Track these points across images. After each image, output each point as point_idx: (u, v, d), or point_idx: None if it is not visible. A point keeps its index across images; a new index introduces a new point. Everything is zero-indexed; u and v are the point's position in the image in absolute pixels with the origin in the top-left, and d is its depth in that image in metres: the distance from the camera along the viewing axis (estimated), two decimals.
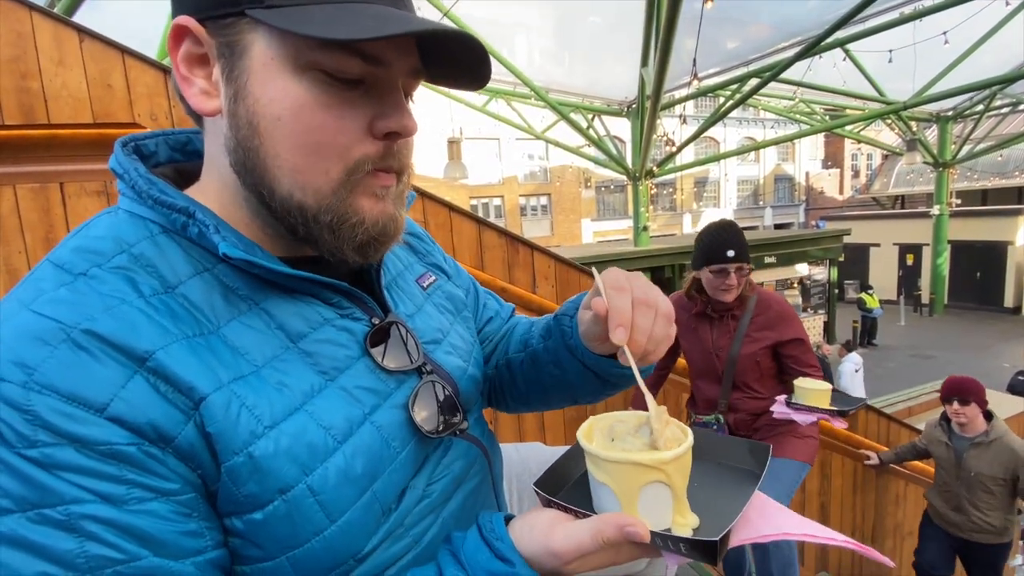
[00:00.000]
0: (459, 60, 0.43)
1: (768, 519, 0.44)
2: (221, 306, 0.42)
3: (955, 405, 2.62)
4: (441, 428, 0.51)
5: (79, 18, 3.81)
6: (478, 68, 0.44)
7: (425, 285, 0.63)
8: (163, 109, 1.51)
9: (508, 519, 0.45)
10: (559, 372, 0.63)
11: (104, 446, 0.34)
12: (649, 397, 0.47)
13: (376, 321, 0.50)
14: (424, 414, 0.50)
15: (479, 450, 0.58)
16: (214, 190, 0.47)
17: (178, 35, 0.41)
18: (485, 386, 0.68)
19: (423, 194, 1.96)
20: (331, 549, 0.42)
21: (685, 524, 0.43)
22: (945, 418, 2.75)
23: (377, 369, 0.48)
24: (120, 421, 0.35)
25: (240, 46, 0.41)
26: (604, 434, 0.46)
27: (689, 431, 0.45)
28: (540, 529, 0.42)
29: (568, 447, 0.91)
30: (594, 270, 0.52)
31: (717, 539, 0.39)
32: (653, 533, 0.41)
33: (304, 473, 0.41)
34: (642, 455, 0.41)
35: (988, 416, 2.64)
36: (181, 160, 0.52)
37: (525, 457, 0.86)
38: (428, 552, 0.48)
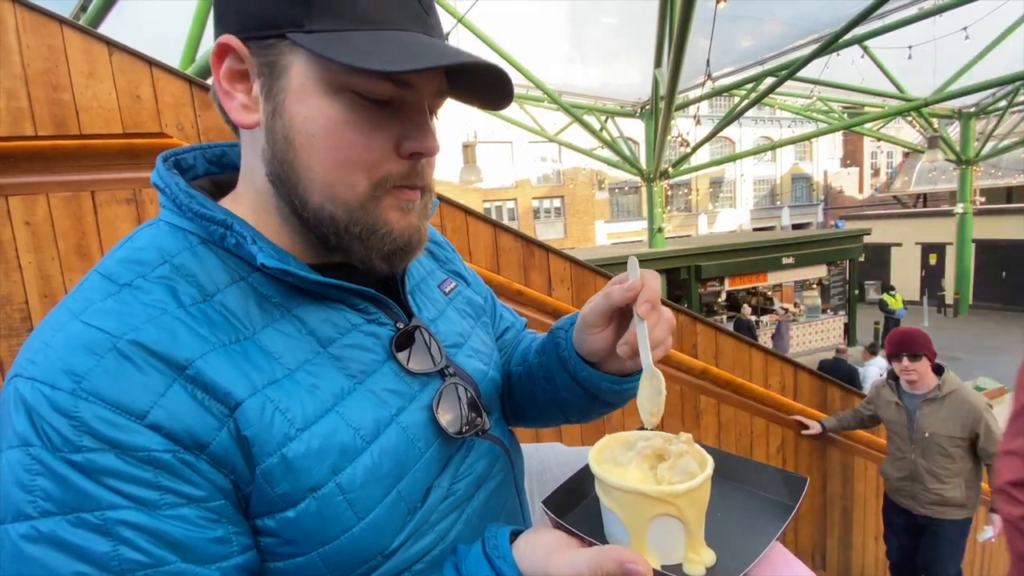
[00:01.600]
0: (483, 83, 0.46)
1: (791, 567, 0.43)
2: (256, 313, 0.44)
3: (904, 361, 2.43)
4: (464, 429, 0.52)
5: (105, 28, 3.92)
6: (501, 91, 0.46)
7: (447, 291, 0.65)
8: (189, 119, 1.55)
9: (517, 533, 0.45)
10: (550, 388, 0.63)
11: (143, 452, 0.36)
12: (657, 374, 0.48)
13: (401, 326, 0.52)
14: (448, 416, 0.51)
15: (501, 450, 0.59)
16: (249, 199, 0.49)
17: (222, 52, 0.44)
18: (504, 389, 0.69)
19: (440, 198, 1.99)
20: (359, 545, 0.43)
21: (698, 561, 0.41)
22: (893, 376, 2.57)
23: (402, 372, 0.50)
24: (158, 428, 0.37)
25: (280, 66, 0.43)
26: (619, 453, 0.46)
27: (710, 461, 0.43)
28: (542, 550, 0.42)
29: (585, 448, 0.93)
30: (632, 257, 0.54)
31: None
32: (659, 573, 0.39)
33: (334, 472, 0.42)
34: (650, 487, 0.40)
35: (938, 370, 2.45)
36: (217, 172, 0.55)
37: (544, 456, 0.87)
38: (453, 548, 0.50)
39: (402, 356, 0.50)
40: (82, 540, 0.34)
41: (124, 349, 0.37)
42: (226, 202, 0.50)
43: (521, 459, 0.68)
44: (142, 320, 0.39)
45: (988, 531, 2.48)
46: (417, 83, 0.44)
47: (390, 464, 0.45)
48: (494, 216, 17.84)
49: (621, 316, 0.54)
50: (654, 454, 0.45)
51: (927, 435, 2.38)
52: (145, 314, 0.39)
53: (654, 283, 0.50)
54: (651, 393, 0.49)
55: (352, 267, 0.51)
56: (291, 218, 0.47)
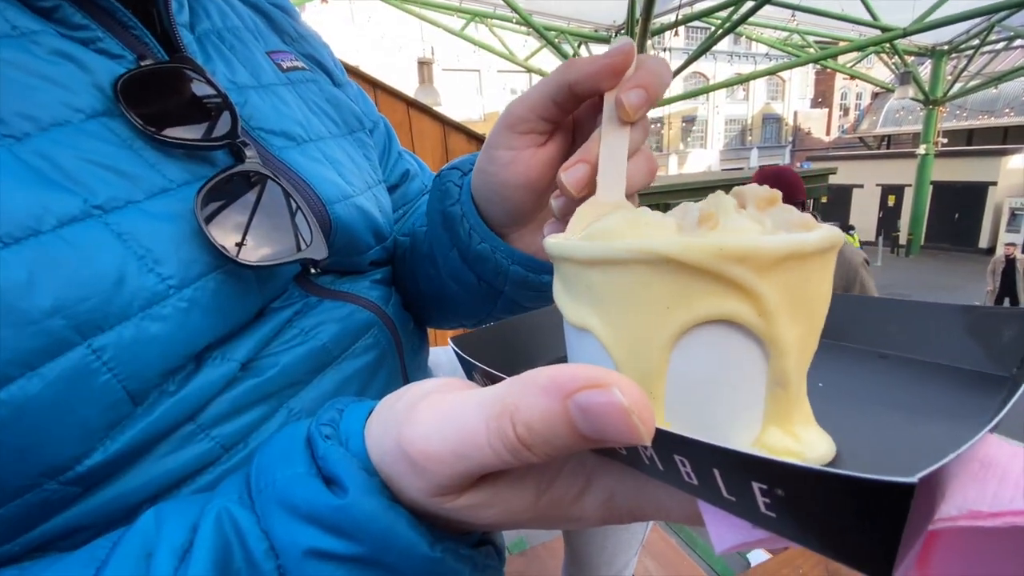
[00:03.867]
0: None
1: (1004, 475, 0.16)
2: None
3: None
4: (277, 261, 0.30)
5: None
6: None
7: (284, 66, 0.41)
8: None
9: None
10: (433, 271, 0.41)
11: None
12: (645, 211, 0.21)
13: (148, 63, 0.29)
14: (262, 250, 0.30)
15: (375, 318, 0.38)
16: None
17: None
18: (392, 248, 0.47)
19: (377, 85, 1.68)
20: None
21: (791, 451, 0.17)
22: None
23: (138, 141, 0.28)
24: None
25: None
26: (612, 217, 0.21)
27: (829, 227, 0.19)
28: (406, 404, 0.20)
29: None
30: (621, 36, 0.28)
31: (915, 480, 0.12)
32: (668, 433, 0.15)
33: None
34: (689, 239, 0.17)
35: None
36: None
37: None
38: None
39: (150, 123, 0.28)
40: None
41: None
42: None
43: (422, 346, 0.47)
44: None
45: None
46: None
47: (65, 295, 0.24)
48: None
49: (565, 135, 0.31)
50: (685, 212, 0.20)
51: None
52: None
53: (660, 66, 0.26)
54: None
55: None
56: None
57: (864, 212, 17.79)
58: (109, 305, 0.25)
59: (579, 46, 10.34)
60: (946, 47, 13.05)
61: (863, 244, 13.64)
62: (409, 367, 0.43)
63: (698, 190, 10.77)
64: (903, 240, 16.09)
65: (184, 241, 0.28)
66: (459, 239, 0.36)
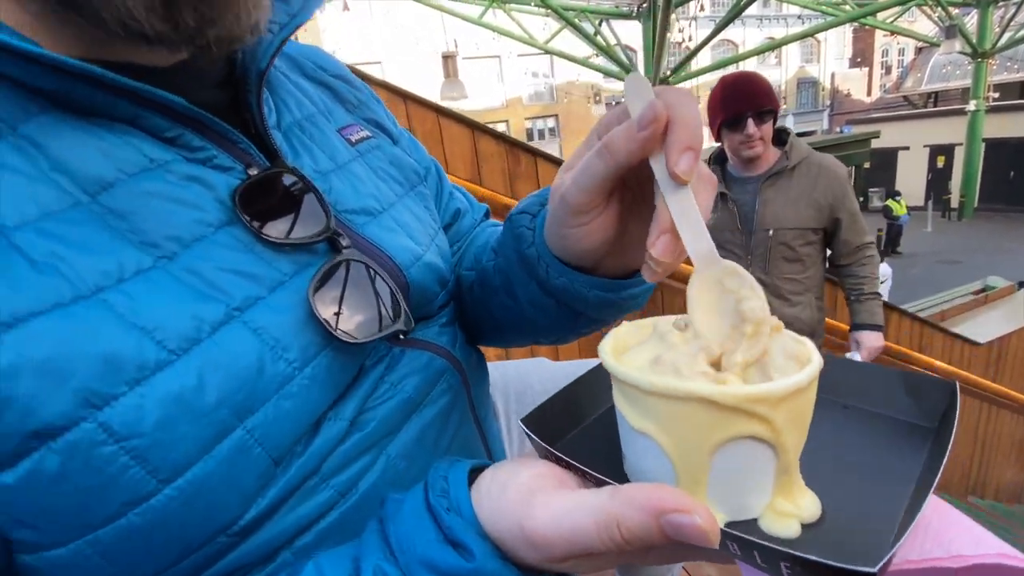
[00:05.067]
0: None
1: (950, 524, 0.25)
2: None
3: (750, 126, 1.51)
4: (382, 326, 0.35)
5: None
6: None
7: (353, 139, 0.45)
8: None
9: (480, 470, 0.29)
10: (511, 302, 0.44)
11: None
12: (735, 269, 0.28)
13: (255, 172, 0.33)
14: (355, 319, 0.34)
15: (447, 363, 0.42)
16: None
17: None
18: (455, 287, 0.51)
19: (407, 96, 1.73)
20: (170, 526, 0.27)
21: (792, 513, 0.25)
22: (719, 159, 1.73)
23: (257, 244, 0.32)
24: None
25: None
26: (654, 346, 0.28)
27: (812, 348, 0.27)
28: (517, 493, 0.26)
29: (584, 361, 0.77)
30: (634, 73, 0.30)
31: (875, 570, 0.20)
32: (728, 532, 0.23)
33: (91, 405, 0.25)
34: (724, 388, 0.23)
35: (780, 137, 1.65)
36: None
37: (525, 372, 0.70)
38: (364, 507, 0.35)
39: (264, 225, 0.32)
40: None
41: None
42: None
43: (484, 376, 0.52)
44: None
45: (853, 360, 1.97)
46: None
47: (225, 389, 0.28)
48: None
49: (625, 189, 0.34)
50: (709, 337, 0.28)
51: (770, 233, 1.60)
52: None
53: (689, 109, 0.28)
54: (722, 307, 0.28)
55: (179, 75, 0.32)
56: None
57: (911, 175, 16.88)
58: (255, 391, 0.30)
59: (600, 24, 10.13)
60: None
61: (911, 209, 12.99)
62: (475, 401, 0.47)
63: None
64: (955, 203, 15.22)
65: (301, 328, 0.32)
66: (537, 275, 0.39)
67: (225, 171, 0.33)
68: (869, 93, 25.13)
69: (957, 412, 0.28)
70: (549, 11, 8.76)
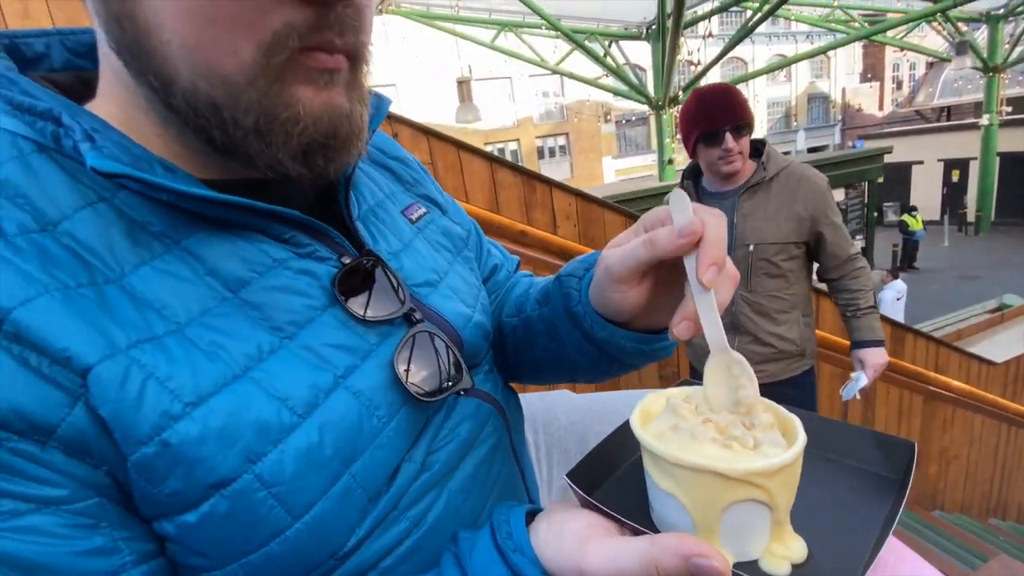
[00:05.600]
0: None
1: (905, 560, 0.33)
2: (125, 247, 0.33)
3: (728, 140, 1.47)
4: (445, 386, 0.42)
5: None
6: None
7: (414, 218, 0.53)
8: (43, 10, 1.36)
9: (533, 514, 0.36)
10: (555, 347, 0.52)
11: None
12: (740, 360, 0.35)
13: (347, 260, 0.40)
14: (421, 374, 0.41)
15: (492, 408, 0.49)
16: (117, 96, 0.36)
17: None
18: (495, 341, 0.58)
19: (429, 132, 1.82)
20: (299, 551, 0.34)
21: (784, 556, 0.32)
22: (693, 174, 1.68)
23: (351, 321, 0.39)
24: None
25: None
26: (670, 417, 0.34)
27: (798, 424, 0.33)
28: (572, 539, 0.33)
29: (600, 394, 0.83)
30: (677, 191, 0.38)
31: None
32: (736, 573, 0.30)
33: (249, 460, 0.32)
34: (732, 465, 0.30)
35: (755, 149, 1.60)
36: (91, 68, 0.41)
37: (551, 405, 0.77)
38: (431, 535, 0.41)
39: (351, 301, 0.39)
40: None
41: None
42: (92, 105, 0.37)
43: (520, 415, 0.58)
44: None
45: (859, 381, 1.64)
46: None
47: (337, 443, 0.35)
48: None
49: (660, 267, 0.41)
50: (718, 412, 0.35)
51: (751, 248, 1.54)
52: None
53: (719, 230, 0.35)
54: (727, 385, 0.35)
55: (282, 185, 0.40)
56: (168, 115, 0.34)
57: (926, 189, 16.73)
58: (356, 444, 0.36)
59: (609, 45, 10.30)
60: (1001, 11, 12.19)
61: (927, 224, 12.87)
62: (514, 439, 0.54)
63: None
64: (971, 217, 15.05)
65: (386, 389, 0.38)
66: (582, 328, 0.46)
67: (324, 261, 0.40)
68: (881, 108, 25.08)
69: (913, 467, 0.35)
70: (559, 34, 8.94)
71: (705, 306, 0.34)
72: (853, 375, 1.69)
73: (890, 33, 11.86)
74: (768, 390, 1.22)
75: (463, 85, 9.36)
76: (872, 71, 25.28)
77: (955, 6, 8.84)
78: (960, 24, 12.16)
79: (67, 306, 0.29)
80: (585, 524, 0.33)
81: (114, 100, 0.36)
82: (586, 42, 9.33)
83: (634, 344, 0.45)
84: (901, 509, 0.33)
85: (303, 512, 0.34)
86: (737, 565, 0.31)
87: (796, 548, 0.32)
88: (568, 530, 0.33)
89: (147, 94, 0.34)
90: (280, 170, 0.35)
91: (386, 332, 0.41)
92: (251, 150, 0.34)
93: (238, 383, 0.33)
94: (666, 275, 0.41)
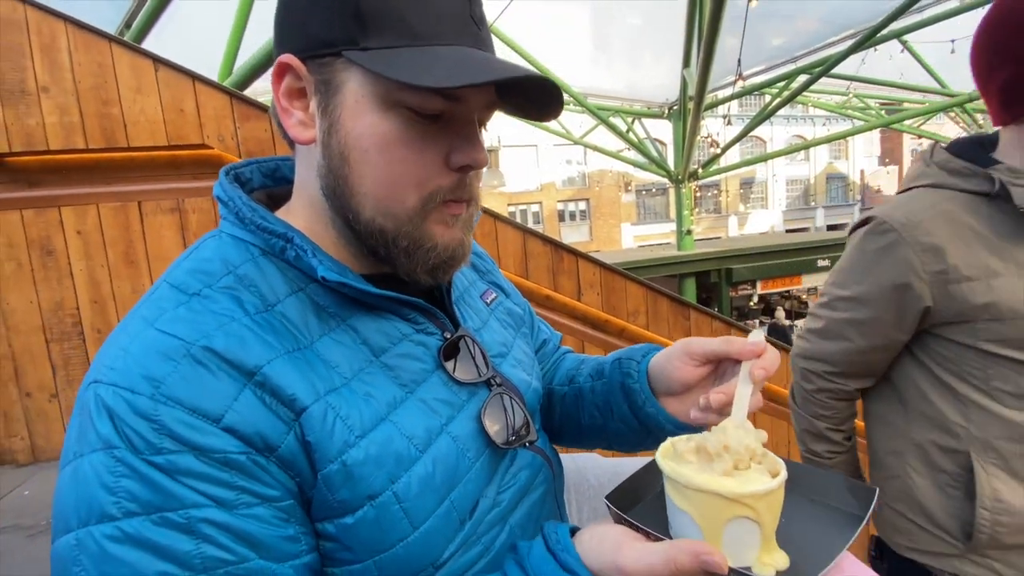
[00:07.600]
0: (533, 95, 0.46)
1: (855, 565, 0.43)
2: (314, 323, 0.45)
3: None
4: (512, 439, 0.53)
5: (147, 44, 4.08)
6: (550, 102, 0.47)
7: (488, 301, 0.65)
8: (229, 131, 1.60)
9: (573, 531, 0.45)
10: (600, 417, 0.63)
11: (219, 454, 0.37)
12: (743, 418, 0.47)
13: (448, 335, 0.52)
14: (496, 426, 0.51)
15: (543, 460, 0.59)
16: (304, 212, 0.50)
17: (281, 71, 0.46)
18: (543, 405, 0.69)
19: None
20: (413, 555, 0.44)
21: (771, 564, 0.41)
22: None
23: (450, 381, 0.50)
24: (233, 431, 0.38)
25: (335, 83, 0.44)
26: (689, 453, 0.45)
27: (782, 464, 0.43)
28: (609, 543, 0.41)
29: (628, 458, 0.91)
30: (757, 330, 0.53)
31: None
32: (732, 570, 0.38)
33: (391, 481, 0.43)
34: (729, 488, 0.40)
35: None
36: (271, 185, 0.56)
37: (582, 467, 0.86)
38: (497, 558, 0.50)
39: (450, 365, 0.51)
40: (166, 539, 0.35)
41: (198, 355, 0.39)
42: (281, 214, 0.51)
43: (562, 470, 0.67)
44: (213, 327, 0.40)
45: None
46: (467, 97, 0.45)
47: (443, 474, 0.46)
48: (519, 219, 17.85)
49: (718, 366, 0.55)
50: (726, 450, 0.45)
51: None
52: (215, 321, 0.41)
53: (776, 357, 0.50)
54: (743, 440, 0.48)
55: (404, 279, 0.52)
56: (344, 230, 0.48)
57: None
58: (455, 476, 0.46)
59: (632, 122, 10.85)
60: None
61: None
62: (557, 487, 0.63)
63: (754, 255, 10.46)
64: None
65: (474, 436, 0.49)
66: (634, 403, 0.59)
67: (431, 335, 0.52)
68: (899, 189, 25.39)
69: (872, 507, 0.46)
70: (585, 110, 9.48)
71: (742, 393, 0.47)
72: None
73: (908, 121, 12.27)
74: None
75: (491, 154, 9.88)
76: (890, 155, 25.89)
77: (971, 100, 9.18)
78: (978, 115, 12.58)
79: (291, 365, 0.41)
80: (620, 532, 0.42)
81: (302, 215, 0.50)
82: (610, 119, 9.85)
83: (671, 425, 0.57)
84: (855, 535, 0.43)
85: (420, 524, 0.44)
86: (735, 569, 0.40)
87: (780, 559, 0.41)
88: (607, 538, 0.41)
89: (334, 218, 0.48)
90: (414, 278, 0.48)
91: (473, 391, 0.52)
92: (399, 262, 0.48)
93: (383, 424, 0.44)
94: (713, 378, 0.54)
